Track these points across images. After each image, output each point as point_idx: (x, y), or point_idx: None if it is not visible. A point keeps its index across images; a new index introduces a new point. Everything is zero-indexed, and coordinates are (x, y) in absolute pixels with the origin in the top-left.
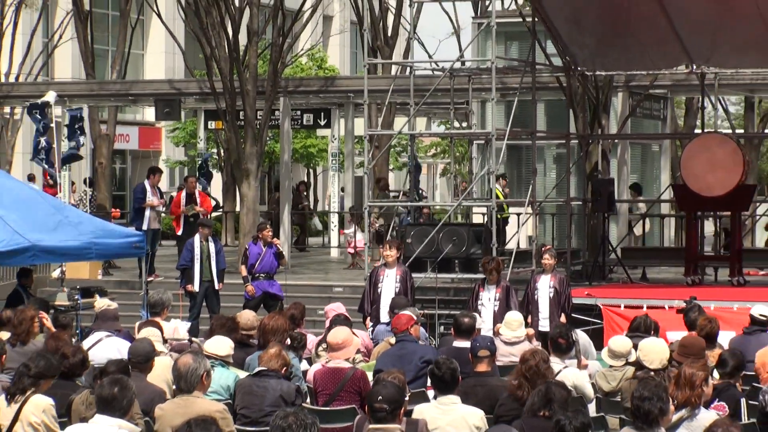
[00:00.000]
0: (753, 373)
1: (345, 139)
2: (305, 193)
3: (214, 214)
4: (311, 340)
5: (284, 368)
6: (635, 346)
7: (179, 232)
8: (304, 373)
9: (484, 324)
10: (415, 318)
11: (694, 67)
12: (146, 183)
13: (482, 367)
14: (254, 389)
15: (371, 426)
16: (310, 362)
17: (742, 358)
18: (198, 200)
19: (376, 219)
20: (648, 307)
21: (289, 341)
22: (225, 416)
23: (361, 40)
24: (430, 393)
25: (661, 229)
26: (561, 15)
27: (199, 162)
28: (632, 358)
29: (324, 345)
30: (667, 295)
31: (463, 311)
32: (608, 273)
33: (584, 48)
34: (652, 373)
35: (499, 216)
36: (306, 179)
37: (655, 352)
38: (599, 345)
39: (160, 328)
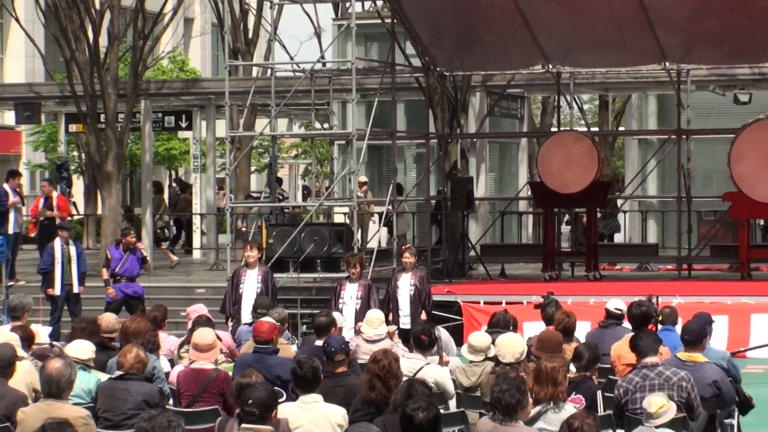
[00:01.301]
0: (609, 366)
1: (206, 141)
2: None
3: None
4: (173, 341)
5: (144, 369)
6: (494, 342)
7: (33, 234)
8: (167, 374)
9: (346, 322)
10: (277, 327)
11: (550, 66)
12: (6, 186)
13: (340, 369)
14: (116, 392)
15: (243, 425)
16: (173, 363)
17: (597, 351)
18: (54, 204)
19: (162, 221)
20: (507, 303)
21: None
22: (88, 422)
23: (222, 42)
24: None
25: (519, 226)
26: (419, 17)
27: (57, 165)
28: (491, 354)
29: (186, 346)
30: (525, 290)
31: (321, 310)
32: (468, 270)
33: (442, 49)
34: (508, 367)
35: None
36: (168, 181)
37: (507, 346)
38: (459, 341)
39: (32, 333)
